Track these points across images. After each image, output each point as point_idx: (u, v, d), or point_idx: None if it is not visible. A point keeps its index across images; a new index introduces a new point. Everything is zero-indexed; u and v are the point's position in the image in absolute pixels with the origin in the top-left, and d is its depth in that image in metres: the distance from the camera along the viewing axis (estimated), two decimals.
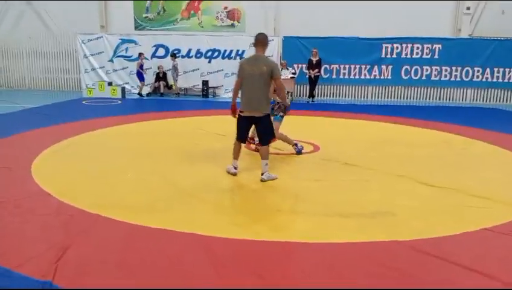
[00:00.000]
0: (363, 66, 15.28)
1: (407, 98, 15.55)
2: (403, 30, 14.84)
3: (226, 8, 16.18)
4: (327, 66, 15.20)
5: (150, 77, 15.60)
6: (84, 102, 13.38)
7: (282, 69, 14.40)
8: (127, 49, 15.86)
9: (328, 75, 15.36)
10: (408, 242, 3.58)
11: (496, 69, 14.86)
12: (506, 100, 15.11)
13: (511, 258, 3.39)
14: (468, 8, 15.14)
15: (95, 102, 13.30)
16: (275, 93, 5.63)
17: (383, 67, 15.25)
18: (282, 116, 6.41)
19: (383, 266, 3.19)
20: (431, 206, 4.56)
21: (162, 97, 15.25)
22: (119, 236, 3.67)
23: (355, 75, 15.39)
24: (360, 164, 6.17)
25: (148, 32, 16.30)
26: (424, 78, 15.20)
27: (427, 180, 5.37)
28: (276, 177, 5.38)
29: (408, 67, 15.14)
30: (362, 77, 15.38)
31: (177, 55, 15.47)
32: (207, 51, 15.69)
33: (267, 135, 5.37)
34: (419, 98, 15.51)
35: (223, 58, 15.65)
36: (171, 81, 15.56)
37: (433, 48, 14.89)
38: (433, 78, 15.16)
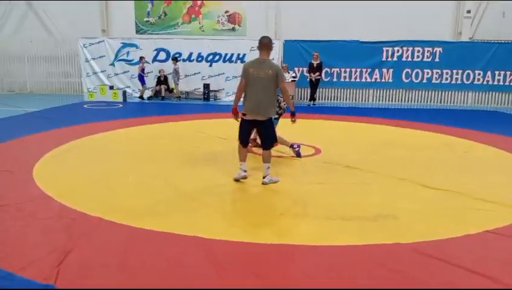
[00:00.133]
0: (364, 70, 15.29)
1: (408, 101, 15.54)
2: (403, 33, 14.86)
3: (227, 12, 16.22)
4: (328, 70, 15.21)
5: (151, 81, 15.63)
6: (85, 106, 13.40)
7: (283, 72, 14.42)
8: (128, 53, 15.90)
9: (328, 78, 15.37)
10: (410, 245, 3.57)
11: (496, 72, 14.85)
12: (508, 103, 15.10)
13: None
14: (468, 12, 15.16)
15: (96, 106, 13.33)
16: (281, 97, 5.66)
17: (384, 70, 15.26)
18: (277, 119, 6.45)
19: (385, 268, 3.18)
20: (433, 209, 4.55)
21: (163, 101, 15.27)
22: (121, 239, 3.67)
23: (356, 78, 15.40)
24: (362, 167, 6.17)
25: (150, 36, 16.35)
26: (425, 81, 15.19)
27: (429, 183, 5.36)
28: (278, 180, 5.38)
29: (409, 70, 15.15)
30: (363, 80, 15.39)
31: (178, 58, 15.50)
32: (208, 55, 15.73)
33: (269, 138, 5.35)
34: (420, 101, 15.50)
35: (224, 61, 15.68)
36: (172, 85, 15.59)
37: (434, 51, 14.90)
38: (434, 81, 15.16)
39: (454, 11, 15.45)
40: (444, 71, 15.01)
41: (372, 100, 15.73)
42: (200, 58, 15.78)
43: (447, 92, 15.36)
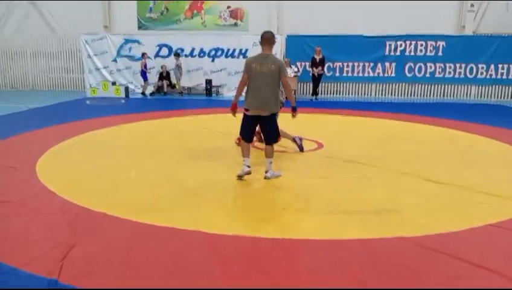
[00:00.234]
0: (367, 64, 15.24)
1: (411, 95, 15.49)
2: (406, 27, 14.79)
3: (229, 7, 16.17)
4: (330, 64, 15.17)
5: (153, 76, 15.62)
6: (87, 102, 13.41)
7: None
8: (130, 49, 15.89)
9: (331, 73, 15.33)
10: (413, 239, 3.57)
11: (500, 66, 14.78)
12: (511, 97, 15.02)
13: None
14: (472, 5, 15.05)
15: (99, 101, 13.33)
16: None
17: (387, 64, 15.20)
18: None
19: (389, 262, 3.18)
20: (436, 202, 4.54)
21: (166, 96, 15.27)
22: (124, 234, 3.68)
23: (358, 72, 15.36)
24: (364, 161, 6.15)
25: (152, 32, 16.32)
26: (428, 75, 15.14)
27: (432, 177, 5.35)
28: (280, 174, 5.37)
29: (412, 64, 15.09)
30: (366, 74, 15.35)
31: (181, 54, 15.48)
32: (210, 50, 15.70)
33: (272, 134, 5.30)
34: (423, 95, 15.45)
35: (226, 57, 15.67)
36: (174, 81, 15.58)
37: (437, 45, 14.83)
38: (437, 75, 15.10)
39: (457, 4, 15.35)
40: (447, 65, 14.96)
41: (375, 94, 15.68)
42: (202, 54, 15.76)
43: (450, 86, 15.31)
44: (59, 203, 4.39)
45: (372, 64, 15.22)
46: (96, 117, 10.14)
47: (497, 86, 15.09)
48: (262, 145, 5.64)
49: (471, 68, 14.91)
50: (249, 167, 5.25)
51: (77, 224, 3.85)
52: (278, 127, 5.38)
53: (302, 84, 15.58)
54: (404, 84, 15.46)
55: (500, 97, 15.11)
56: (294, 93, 14.73)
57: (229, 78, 15.62)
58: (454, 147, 7.31)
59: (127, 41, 15.88)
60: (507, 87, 15.03)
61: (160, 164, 6.05)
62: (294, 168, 5.86)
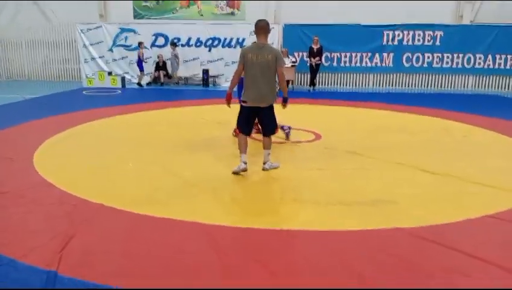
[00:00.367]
0: (364, 54, 15.19)
1: (408, 86, 15.48)
2: (404, 17, 14.72)
3: None
4: (328, 54, 15.10)
5: (149, 66, 15.52)
6: (84, 92, 13.35)
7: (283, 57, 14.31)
8: (126, 38, 15.75)
9: (329, 63, 15.28)
10: (410, 229, 3.59)
11: (497, 56, 14.76)
12: (508, 87, 15.03)
13: None
14: None
15: (95, 92, 13.27)
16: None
17: (384, 54, 15.16)
18: None
19: (385, 253, 3.20)
20: (432, 193, 4.56)
21: (162, 87, 15.19)
22: (122, 225, 3.69)
23: (356, 63, 15.31)
24: (362, 152, 6.17)
25: (148, 21, 16.18)
26: (425, 65, 15.11)
27: (429, 168, 5.37)
28: (278, 166, 5.38)
29: (409, 54, 15.04)
30: (363, 64, 15.30)
31: (177, 44, 15.38)
32: (207, 40, 15.59)
33: (271, 125, 5.26)
34: (421, 86, 15.44)
35: (223, 46, 15.56)
36: (170, 71, 15.49)
37: (435, 34, 14.77)
38: (434, 65, 15.08)
39: None
40: (445, 55, 14.92)
41: (373, 85, 15.66)
42: (199, 44, 15.65)
43: (447, 76, 15.29)
44: (57, 194, 4.40)
45: (369, 54, 15.16)
46: (93, 108, 10.09)
47: (494, 76, 15.08)
48: (260, 137, 5.64)
49: (469, 58, 14.89)
50: (245, 163, 5.12)
51: (75, 215, 3.86)
52: (275, 118, 5.32)
53: (299, 74, 15.53)
54: (401, 74, 15.44)
55: (498, 88, 15.11)
56: (292, 84, 14.76)
57: (226, 68, 15.53)
58: (451, 138, 7.34)
59: (122, 30, 15.74)
60: (505, 78, 15.02)
61: (158, 155, 6.04)
62: (292, 160, 5.87)
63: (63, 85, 15.29)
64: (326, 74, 15.61)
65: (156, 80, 15.49)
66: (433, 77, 15.33)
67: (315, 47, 14.36)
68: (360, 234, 3.54)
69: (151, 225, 3.70)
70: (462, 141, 7.17)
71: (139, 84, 15.16)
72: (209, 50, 15.66)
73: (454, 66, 15.03)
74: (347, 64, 15.36)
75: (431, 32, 14.75)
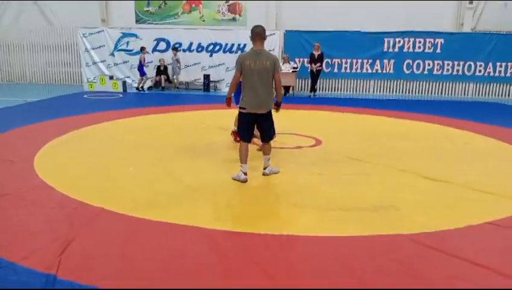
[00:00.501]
0: (365, 60, 15.23)
1: (409, 93, 15.51)
2: (405, 24, 14.78)
3: (227, 1, 16.10)
4: (329, 60, 15.15)
5: (151, 71, 15.56)
6: (85, 96, 13.37)
7: (284, 63, 14.37)
8: (127, 43, 15.81)
9: (329, 69, 15.32)
10: (411, 236, 3.58)
11: (498, 64, 14.80)
12: (509, 95, 15.07)
13: None
14: (470, 2, 15.05)
15: (96, 96, 13.29)
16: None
17: (385, 61, 15.20)
18: None
19: (386, 259, 3.19)
20: (433, 200, 4.56)
21: (163, 91, 15.21)
22: (122, 229, 3.68)
23: (357, 69, 15.35)
24: (362, 158, 6.17)
25: (149, 26, 16.24)
26: (426, 72, 15.15)
27: (430, 174, 5.37)
28: (278, 171, 5.38)
29: (410, 61, 15.09)
30: (364, 71, 15.34)
31: (179, 49, 15.43)
32: (208, 45, 15.64)
33: (270, 131, 5.24)
34: (421, 93, 15.47)
35: (225, 52, 15.60)
36: (171, 75, 15.53)
37: (436, 42, 14.83)
38: (435, 72, 15.12)
39: (456, 2, 15.33)
40: (446, 62, 14.97)
41: (373, 91, 15.69)
42: (200, 49, 15.70)
43: (448, 84, 15.33)
44: (57, 197, 4.39)
45: (370, 60, 15.21)
46: (94, 111, 10.10)
47: (495, 84, 15.12)
48: (259, 141, 5.63)
49: (470, 66, 14.93)
50: (245, 174, 5.05)
51: (75, 218, 3.85)
52: (273, 124, 5.29)
53: (300, 80, 15.56)
54: (402, 81, 15.48)
55: (498, 95, 15.14)
56: (293, 89, 14.80)
57: (227, 74, 15.57)
58: (452, 145, 7.34)
59: (124, 35, 15.79)
60: (505, 85, 15.06)
61: (159, 159, 6.04)
62: (293, 165, 5.86)
63: (64, 89, 15.33)
64: (327, 80, 15.65)
65: (157, 84, 15.51)
66: (434, 84, 15.36)
67: (316, 53, 14.41)
68: (361, 240, 3.54)
69: (151, 229, 3.69)
70: (463, 148, 7.17)
71: (137, 88, 15.17)
72: (210, 55, 15.71)
73: (454, 73, 15.07)
74: (348, 71, 15.40)
75: (432, 40, 14.81)
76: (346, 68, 15.37)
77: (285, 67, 14.24)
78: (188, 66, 15.73)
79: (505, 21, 15.01)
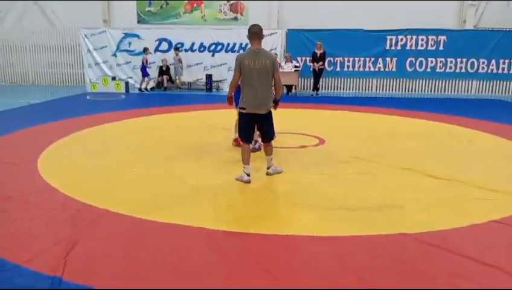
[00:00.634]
0: (368, 59, 15.20)
1: (412, 91, 15.47)
2: (407, 21, 14.74)
3: (229, 0, 16.10)
4: (331, 59, 15.12)
5: (153, 71, 15.58)
6: (88, 97, 13.40)
7: (286, 62, 14.36)
8: (130, 43, 15.83)
9: (332, 67, 15.29)
10: (415, 235, 3.57)
11: (501, 61, 14.75)
12: None
13: None
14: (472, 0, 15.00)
15: (99, 97, 13.31)
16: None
17: (388, 59, 15.17)
18: None
19: (390, 259, 3.18)
20: (437, 198, 4.54)
21: (166, 92, 15.23)
22: (126, 231, 3.68)
23: (359, 67, 15.32)
24: (365, 157, 6.15)
25: (151, 26, 16.26)
26: (429, 70, 15.11)
27: (433, 173, 5.35)
28: (282, 170, 5.38)
29: (413, 59, 15.05)
30: (366, 69, 15.31)
31: (180, 49, 15.44)
32: (210, 45, 15.65)
33: (270, 132, 5.20)
34: (424, 91, 15.43)
35: (227, 51, 15.61)
36: (174, 75, 15.54)
37: (438, 39, 14.79)
38: (438, 70, 15.08)
39: None
40: (448, 60, 14.92)
41: (376, 89, 15.66)
42: (202, 48, 15.71)
43: (451, 81, 15.29)
44: (61, 199, 4.40)
45: (373, 59, 15.18)
46: (96, 112, 10.12)
47: (498, 81, 15.07)
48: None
49: (472, 63, 14.88)
50: (248, 175, 5.03)
51: (79, 220, 3.85)
52: (273, 124, 5.24)
53: (302, 79, 15.55)
54: (405, 79, 15.44)
55: (501, 92, 15.09)
56: (295, 89, 14.78)
57: (229, 73, 15.53)
58: (456, 142, 7.31)
59: (126, 35, 15.82)
60: (508, 82, 15.00)
61: (161, 159, 6.04)
62: (296, 164, 5.85)
63: (67, 90, 15.36)
64: (330, 79, 15.62)
65: (159, 84, 15.52)
66: (437, 81, 15.31)
67: (318, 52, 14.38)
68: (364, 239, 3.52)
69: (154, 230, 3.69)
70: (468, 145, 7.14)
71: (140, 89, 15.19)
72: (213, 55, 15.72)
73: (457, 70, 15.03)
74: (350, 69, 15.37)
75: (434, 37, 14.77)
76: (348, 67, 15.34)
77: (288, 67, 14.23)
78: (190, 66, 15.74)
79: (507, 18, 14.94)
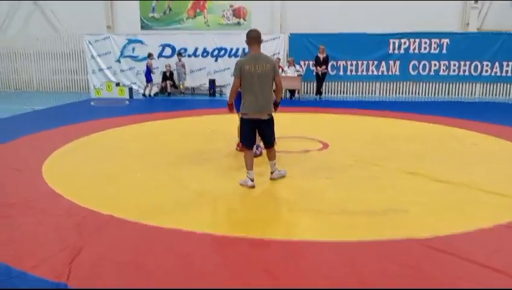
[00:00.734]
0: (371, 62, 15.18)
1: (415, 94, 15.42)
2: (410, 25, 14.73)
3: (231, 6, 16.15)
4: (334, 63, 15.11)
5: (157, 77, 15.62)
6: (92, 103, 13.45)
7: (289, 66, 14.37)
8: (133, 49, 15.89)
9: (335, 71, 15.28)
10: (421, 240, 3.55)
11: (505, 63, 14.67)
12: None
13: None
14: (475, 2, 14.97)
15: (103, 103, 13.36)
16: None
17: (391, 63, 15.13)
18: None
19: (396, 263, 3.16)
20: (443, 202, 4.51)
21: (169, 97, 15.26)
22: (131, 237, 3.68)
23: (362, 71, 15.29)
24: (369, 161, 6.14)
25: (155, 32, 16.31)
26: (432, 73, 15.06)
27: (438, 176, 5.32)
28: (285, 173, 5.36)
29: (416, 62, 15.01)
30: (370, 73, 15.28)
31: (184, 54, 15.48)
32: (213, 50, 15.68)
33: (271, 137, 5.18)
34: (428, 94, 15.37)
35: (230, 56, 15.61)
36: (177, 81, 15.58)
37: (441, 42, 14.75)
38: (441, 73, 15.02)
39: (461, 2, 15.25)
40: (452, 63, 14.87)
41: (379, 93, 15.62)
42: (205, 54, 15.74)
43: (454, 84, 15.21)
44: (66, 205, 4.41)
45: (376, 62, 15.15)
46: (101, 118, 10.16)
47: (502, 84, 14.99)
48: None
49: (476, 66, 14.83)
50: (252, 180, 5.02)
51: (84, 226, 3.86)
52: (274, 130, 5.21)
53: (305, 83, 15.53)
54: (408, 82, 15.39)
55: (506, 95, 15.01)
56: (298, 93, 14.78)
57: (232, 78, 15.50)
58: (460, 146, 7.28)
59: (130, 41, 15.88)
60: None
61: (165, 165, 6.04)
62: (299, 169, 5.84)
63: (71, 96, 15.42)
64: (333, 83, 15.60)
65: (163, 90, 15.57)
66: (440, 85, 15.26)
67: (321, 56, 14.38)
68: (370, 244, 3.51)
69: (158, 236, 3.69)
70: (473, 149, 7.11)
71: (144, 94, 15.23)
72: (216, 60, 15.75)
73: (461, 73, 14.96)
74: (353, 73, 15.34)
75: (437, 40, 14.72)
76: (351, 70, 15.32)
77: (291, 71, 14.23)
78: (193, 71, 15.78)
79: (510, 20, 14.89)
